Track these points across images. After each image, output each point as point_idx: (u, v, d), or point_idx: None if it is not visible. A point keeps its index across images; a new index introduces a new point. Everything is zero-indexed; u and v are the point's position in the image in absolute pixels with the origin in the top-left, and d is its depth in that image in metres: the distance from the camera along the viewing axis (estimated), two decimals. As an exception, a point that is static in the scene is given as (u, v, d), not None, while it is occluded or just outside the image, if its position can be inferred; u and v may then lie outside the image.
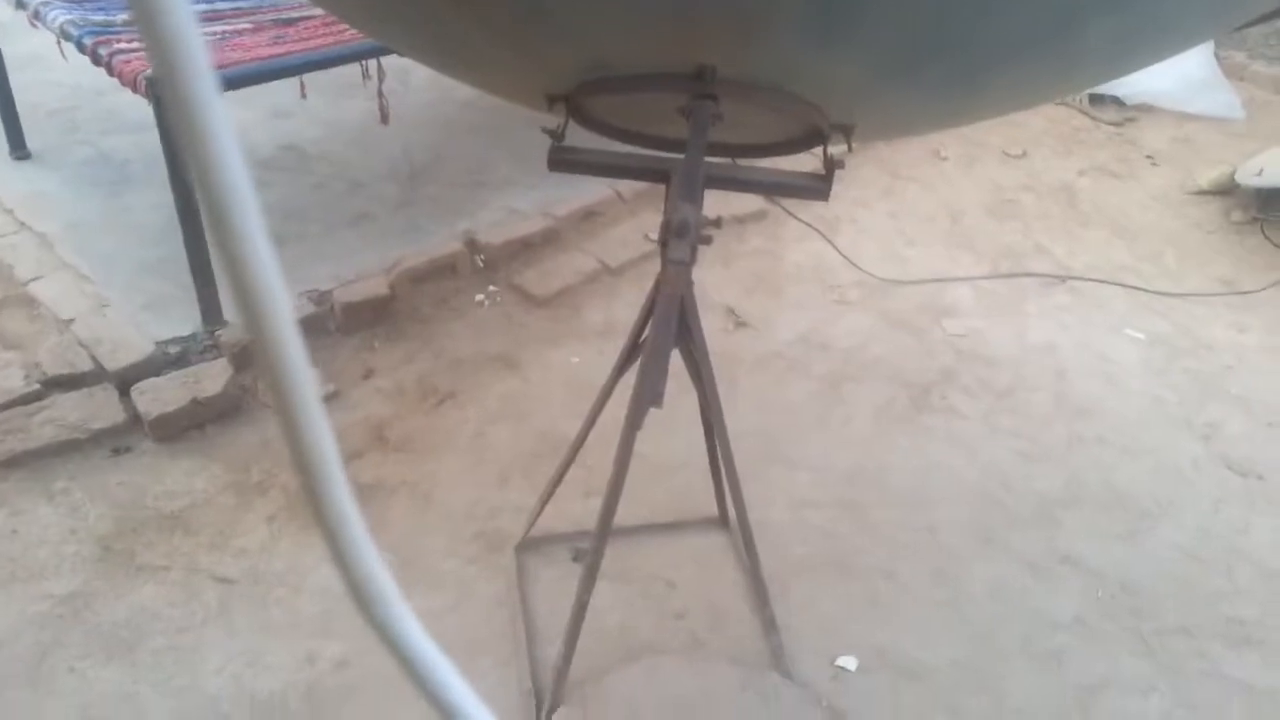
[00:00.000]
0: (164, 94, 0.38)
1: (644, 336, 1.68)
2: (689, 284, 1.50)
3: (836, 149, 1.60)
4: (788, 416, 2.81)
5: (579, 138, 1.60)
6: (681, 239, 1.33)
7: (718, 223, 1.53)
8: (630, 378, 1.65)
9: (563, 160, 1.55)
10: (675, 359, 1.59)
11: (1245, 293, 3.47)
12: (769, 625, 2.09)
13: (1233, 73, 5.06)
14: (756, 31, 1.22)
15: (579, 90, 1.46)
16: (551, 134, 1.55)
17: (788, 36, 1.23)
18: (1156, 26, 1.28)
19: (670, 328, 1.41)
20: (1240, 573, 2.38)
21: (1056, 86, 1.51)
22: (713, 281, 3.37)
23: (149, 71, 2.34)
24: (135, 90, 2.42)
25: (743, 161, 1.72)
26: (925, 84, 1.34)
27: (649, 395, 1.43)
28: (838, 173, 1.56)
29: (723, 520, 2.35)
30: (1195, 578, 2.36)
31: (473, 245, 3.30)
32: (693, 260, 1.43)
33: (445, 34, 1.44)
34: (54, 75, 3.93)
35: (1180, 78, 4.63)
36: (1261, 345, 3.22)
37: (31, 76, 3.86)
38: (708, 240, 1.42)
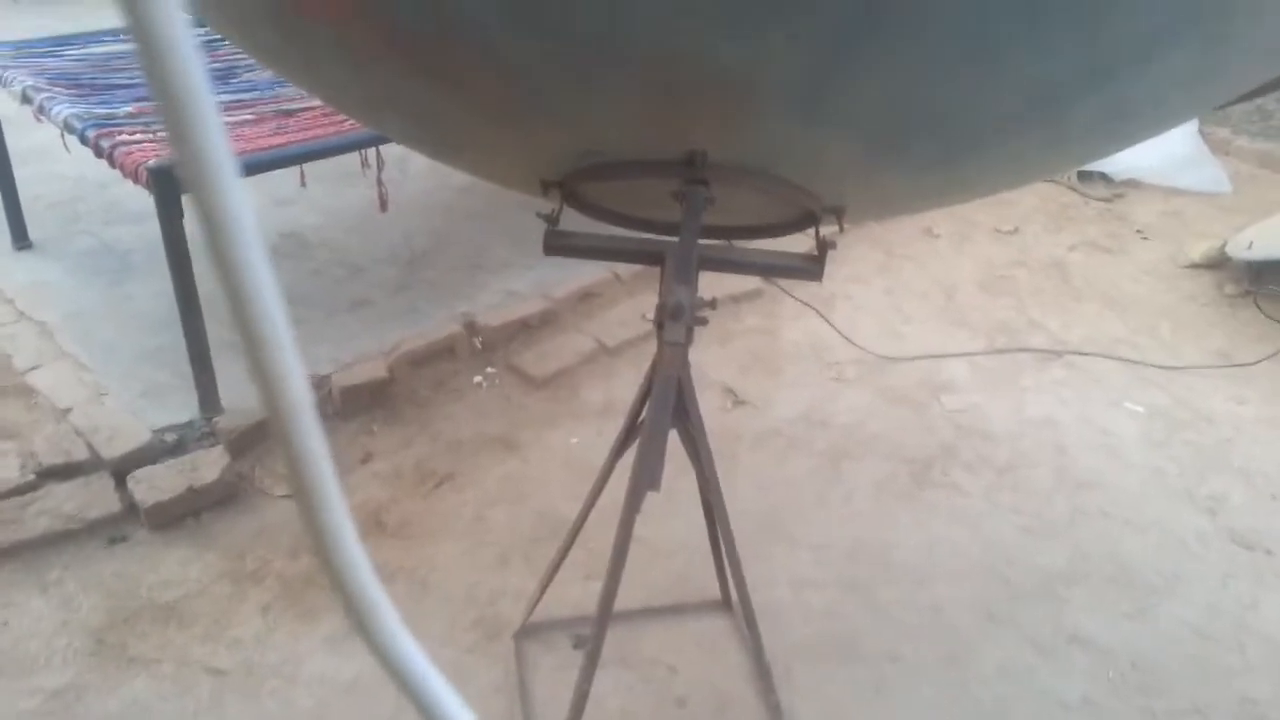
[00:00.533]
0: (186, 181, 0.39)
1: (641, 418, 1.68)
2: (685, 365, 1.51)
3: (829, 230, 1.63)
4: (788, 494, 2.79)
5: (574, 221, 1.62)
6: (677, 321, 1.34)
7: (713, 304, 1.54)
8: (629, 459, 1.65)
9: (558, 245, 1.57)
10: (673, 439, 1.59)
11: (1242, 365, 3.48)
12: (774, 712, 2.04)
13: (1218, 148, 5.16)
14: (745, 115, 1.25)
15: (573, 176, 1.49)
16: (546, 219, 1.58)
17: (775, 119, 1.25)
18: (1139, 107, 1.31)
19: (667, 411, 1.41)
20: (1251, 650, 2.34)
21: (1043, 165, 1.53)
22: (710, 360, 3.38)
23: (150, 162, 2.39)
24: (137, 181, 2.47)
25: (736, 242, 1.74)
26: (912, 164, 1.36)
27: (647, 479, 1.42)
28: (831, 251, 1.58)
29: (725, 602, 2.32)
30: (1206, 655, 2.32)
31: (471, 328, 3.32)
32: (689, 342, 1.44)
33: (441, 123, 1.47)
34: (58, 168, 4.00)
35: (1167, 154, 4.71)
36: (1260, 417, 3.22)
37: (35, 169, 3.93)
38: (703, 321, 1.43)
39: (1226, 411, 3.24)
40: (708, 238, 1.57)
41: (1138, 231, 4.52)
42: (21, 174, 3.63)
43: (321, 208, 4.06)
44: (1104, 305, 3.90)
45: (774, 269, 1.62)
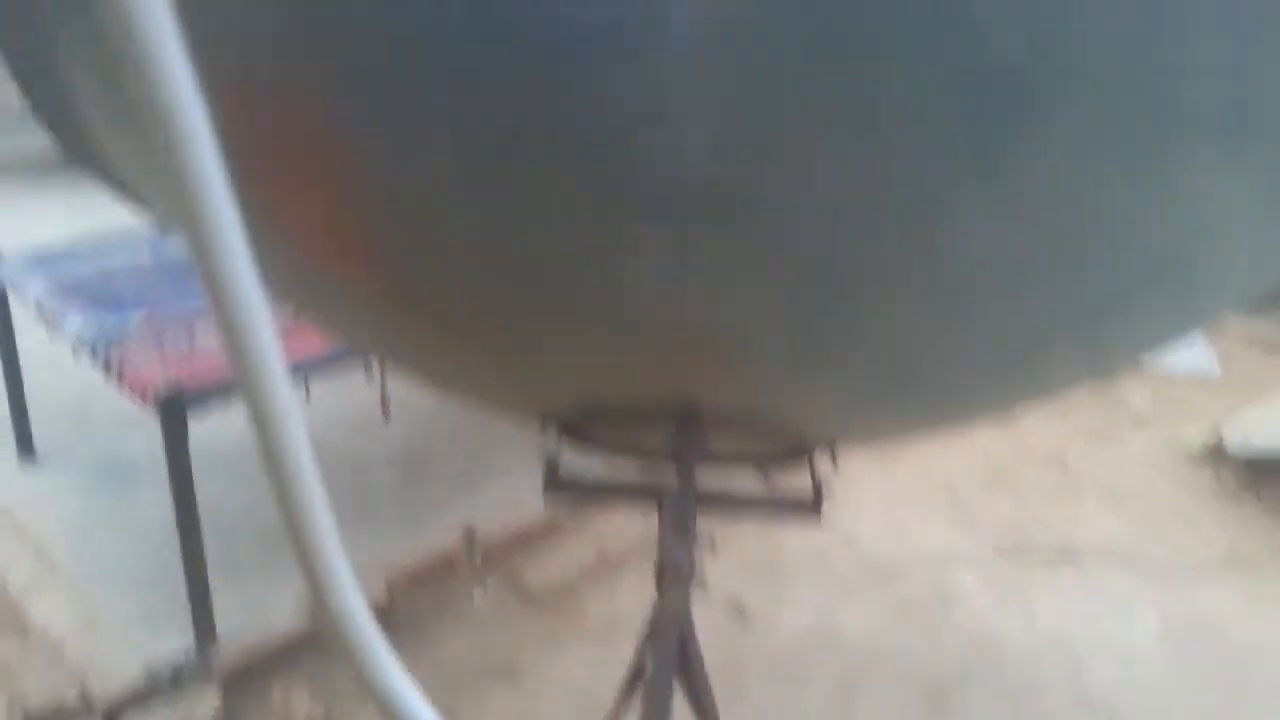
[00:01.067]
0: (239, 384, 0.42)
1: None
2: (688, 620, 1.49)
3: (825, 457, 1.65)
4: (799, 724, 2.69)
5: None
6: (675, 582, 1.35)
7: (713, 543, 1.54)
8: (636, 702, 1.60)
9: (558, 487, 1.59)
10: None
11: (1252, 568, 3.43)
12: None
13: (1204, 329, 5.27)
14: (735, 369, 1.29)
15: (569, 416, 1.52)
16: (547, 458, 1.60)
17: (765, 371, 1.30)
18: (1118, 345, 1.36)
19: (669, 673, 1.39)
20: None
21: (1027, 399, 1.57)
22: (712, 569, 3.33)
23: (159, 385, 2.43)
24: (144, 402, 2.50)
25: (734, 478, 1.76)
26: (898, 408, 1.40)
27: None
28: (833, 484, 1.60)
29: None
30: None
31: (471, 539, 3.29)
32: (688, 601, 1.44)
33: (439, 365, 1.52)
34: (69, 371, 4.04)
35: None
36: (1276, 624, 3.15)
37: (47, 374, 3.98)
38: (703, 582, 1.44)
39: (1241, 619, 3.16)
40: (703, 463, 1.59)
41: (1133, 418, 4.56)
42: (33, 379, 3.68)
43: (325, 412, 4.09)
44: (1106, 500, 3.89)
45: (773, 510, 1.64)
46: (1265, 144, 0.99)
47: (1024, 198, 0.97)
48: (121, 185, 1.74)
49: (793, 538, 3.58)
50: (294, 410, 0.44)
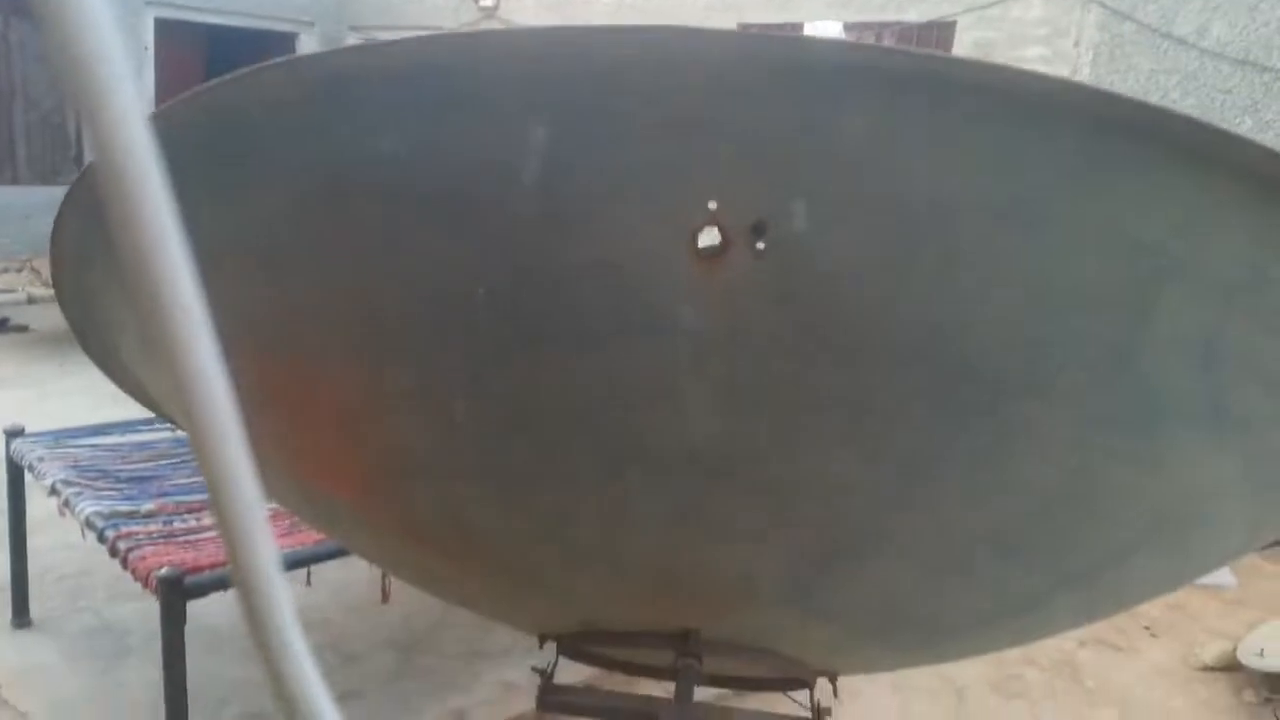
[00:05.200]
0: (236, 581, 0.44)
1: None
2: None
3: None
4: None
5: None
6: (669, 809, 1.32)
7: (708, 767, 1.52)
8: None
9: (553, 701, 1.58)
10: None
11: (1273, 789, 3.29)
12: None
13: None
14: (735, 603, 1.31)
15: (570, 635, 1.53)
16: (541, 672, 1.60)
17: (766, 606, 1.31)
18: (1114, 598, 1.37)
19: None
20: None
21: (1024, 640, 1.57)
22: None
23: (161, 571, 2.44)
24: (146, 587, 2.51)
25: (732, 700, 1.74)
26: (897, 646, 1.40)
27: None
28: (833, 711, 1.58)
29: None
30: None
31: (463, 727, 3.21)
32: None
33: (445, 586, 1.54)
34: (70, 538, 4.04)
35: (1164, 548, 4.76)
36: None
37: (50, 539, 3.99)
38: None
39: (1265, 847, 3.02)
40: (702, 685, 1.58)
41: (1145, 628, 4.46)
42: (35, 542, 3.68)
43: (325, 592, 4.06)
44: (1119, 713, 3.77)
45: (770, 733, 1.61)
46: (1240, 426, 1.03)
47: (1011, 479, 1.01)
48: (138, 388, 1.81)
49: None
50: (286, 601, 0.49)
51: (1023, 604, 1.26)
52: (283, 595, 0.51)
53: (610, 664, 1.76)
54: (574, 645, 1.60)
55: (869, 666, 1.68)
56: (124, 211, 0.44)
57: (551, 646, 1.64)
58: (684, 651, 1.41)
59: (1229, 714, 3.76)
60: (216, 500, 0.49)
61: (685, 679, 1.44)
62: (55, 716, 3.05)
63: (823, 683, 1.62)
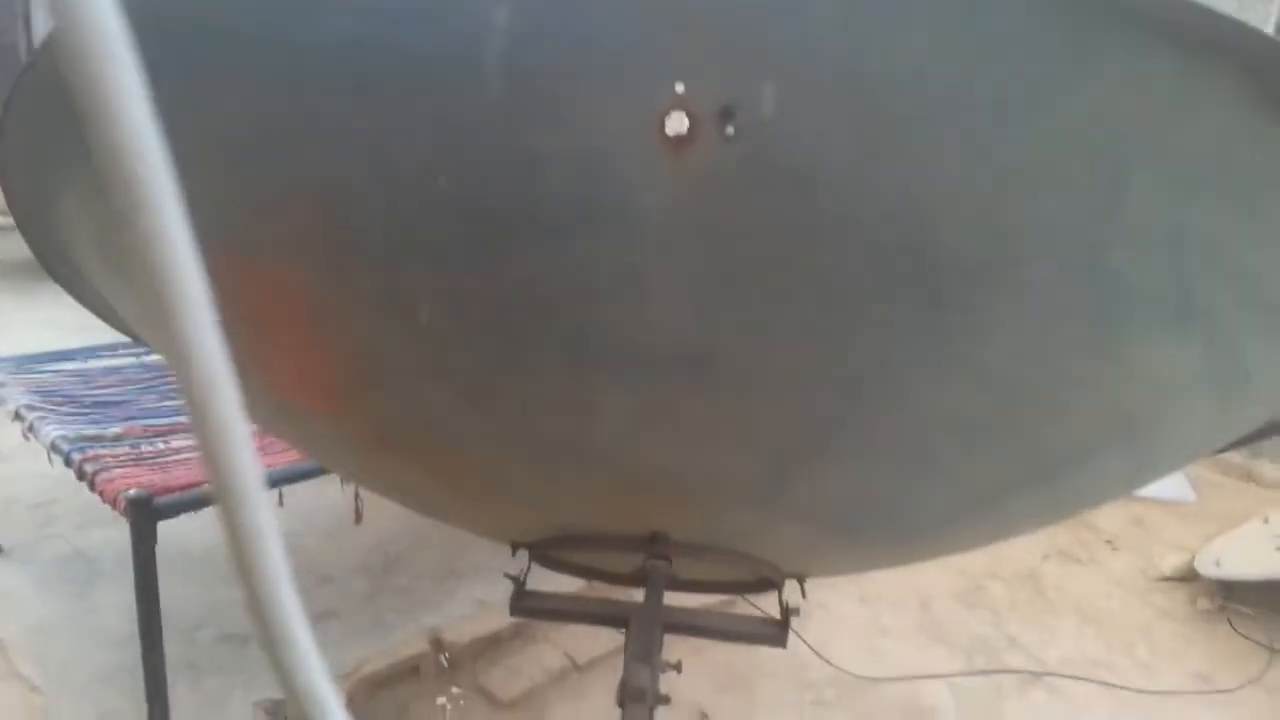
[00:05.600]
0: (216, 497, 0.43)
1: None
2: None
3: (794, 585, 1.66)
4: (765, 840, 2.63)
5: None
6: (638, 705, 1.34)
7: (678, 666, 1.54)
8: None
9: (525, 606, 1.59)
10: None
11: (1223, 690, 3.42)
12: None
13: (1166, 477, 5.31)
14: (704, 503, 1.32)
15: (541, 542, 1.53)
16: (513, 579, 1.61)
17: (734, 508, 1.32)
18: (1078, 496, 1.39)
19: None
20: None
21: (990, 539, 1.60)
22: (683, 675, 3.28)
23: (130, 492, 2.43)
24: (115, 509, 2.49)
25: (701, 602, 1.77)
26: (864, 545, 1.42)
27: None
28: (800, 609, 1.61)
29: None
30: None
31: (438, 644, 3.25)
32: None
33: (416, 495, 1.53)
34: (37, 466, 4.01)
35: (1126, 464, 4.85)
36: (1250, 748, 3.12)
37: (17, 467, 3.96)
38: (665, 700, 1.43)
39: (1213, 741, 3.14)
40: (672, 590, 1.60)
41: (1107, 541, 4.58)
42: (3, 470, 3.65)
43: (297, 513, 4.06)
44: (1079, 620, 3.88)
45: (739, 635, 1.64)
46: (1204, 320, 1.04)
47: (977, 370, 1.01)
48: (106, 311, 1.77)
49: (763, 649, 3.54)
50: (269, 521, 0.47)
51: (988, 500, 1.28)
52: (266, 514, 0.49)
53: (583, 572, 1.78)
54: (545, 553, 1.61)
55: (837, 568, 1.70)
56: (94, 100, 0.41)
57: (525, 558, 1.65)
58: (653, 554, 1.43)
59: (1185, 622, 3.88)
60: (196, 413, 0.47)
61: (654, 581, 1.46)
62: (30, 642, 3.05)
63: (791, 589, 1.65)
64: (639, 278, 0.96)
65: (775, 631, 1.58)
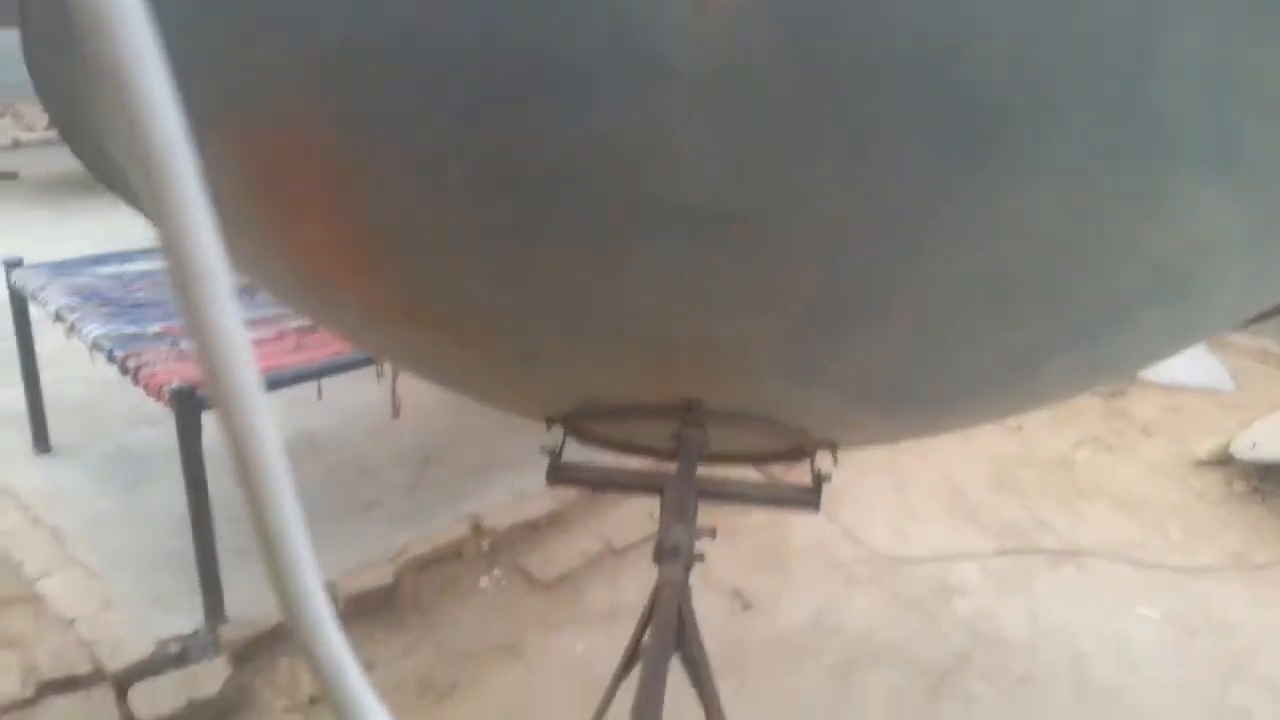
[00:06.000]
0: (213, 400, 0.43)
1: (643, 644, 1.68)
2: (687, 598, 1.52)
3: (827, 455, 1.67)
4: (800, 711, 2.72)
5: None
6: (674, 561, 1.38)
7: (713, 533, 1.57)
8: (634, 679, 1.63)
9: (561, 476, 1.62)
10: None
11: (1257, 567, 3.44)
12: None
13: (1215, 344, 5.26)
14: (736, 373, 1.32)
15: (573, 415, 1.55)
16: (549, 452, 1.63)
17: (768, 375, 1.32)
18: (1116, 359, 1.38)
19: (667, 651, 1.42)
20: None
21: (1026, 406, 1.59)
22: (717, 558, 3.35)
23: (173, 384, 2.48)
24: (159, 400, 2.56)
25: (734, 468, 1.79)
26: (900, 411, 1.42)
27: (646, 717, 1.42)
28: (832, 476, 1.62)
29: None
30: None
31: (478, 530, 3.34)
32: (686, 578, 1.47)
33: (448, 369, 1.55)
34: (81, 370, 4.11)
35: (1165, 350, 4.79)
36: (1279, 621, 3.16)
37: (61, 372, 4.05)
38: (701, 557, 1.46)
39: (1244, 617, 3.18)
40: (705, 464, 1.62)
41: (1141, 429, 4.56)
42: (47, 376, 3.75)
43: (337, 410, 4.14)
44: (1113, 504, 3.90)
45: (771, 501, 1.66)
46: (1249, 170, 1.01)
47: (1014, 221, 0.99)
48: (130, 191, 1.78)
49: (797, 532, 3.61)
50: (267, 424, 0.46)
51: (1024, 362, 1.27)
52: (263, 415, 0.46)
53: (618, 447, 1.80)
54: (579, 425, 1.63)
55: (870, 436, 1.71)
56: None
57: (559, 434, 1.67)
58: (687, 422, 1.44)
59: (1222, 505, 3.89)
60: (186, 305, 0.43)
61: (688, 450, 1.47)
62: (84, 532, 3.18)
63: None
64: (668, 129, 0.94)
65: (808, 497, 1.60)
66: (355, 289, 1.38)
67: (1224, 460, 4.10)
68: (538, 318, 1.25)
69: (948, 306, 1.13)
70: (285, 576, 0.48)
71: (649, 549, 3.57)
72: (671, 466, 1.59)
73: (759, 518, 3.69)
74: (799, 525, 3.66)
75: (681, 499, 1.46)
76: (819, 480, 1.59)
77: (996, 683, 2.85)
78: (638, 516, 3.59)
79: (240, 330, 0.44)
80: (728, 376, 1.34)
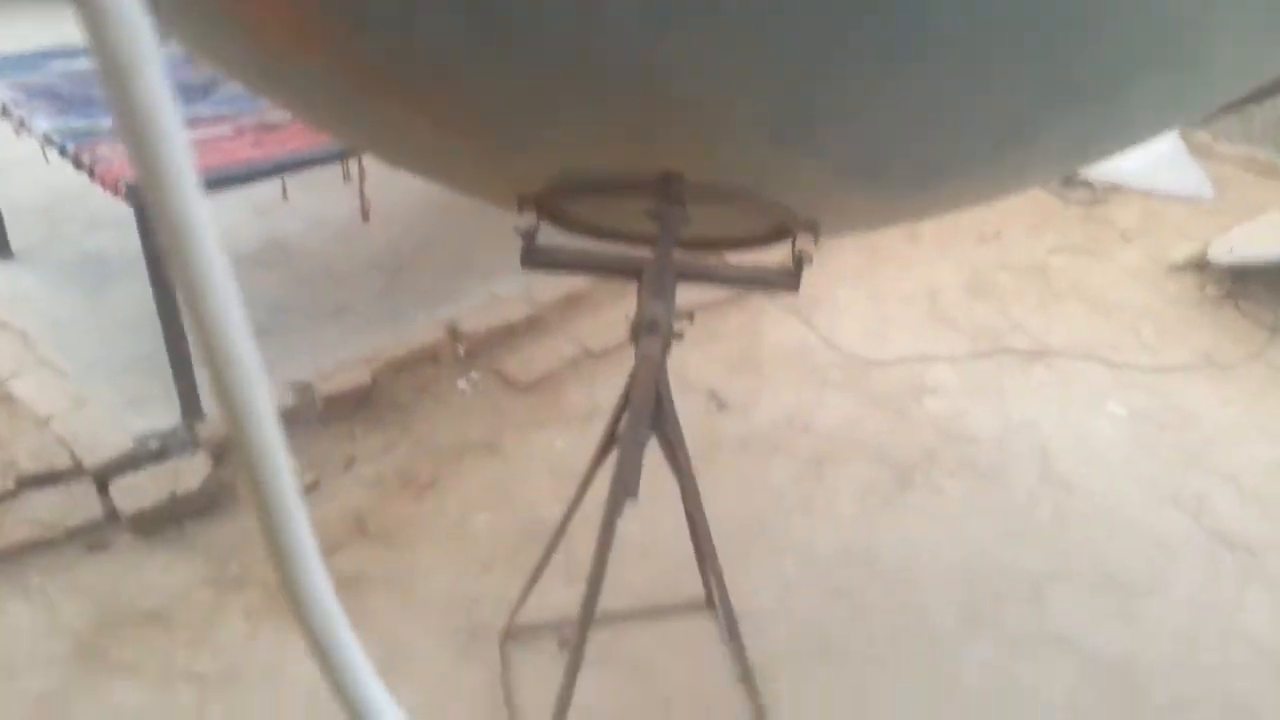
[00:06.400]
0: (147, 197, 0.39)
1: (621, 426, 1.68)
2: (663, 376, 1.51)
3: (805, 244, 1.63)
4: (772, 500, 2.80)
5: (552, 232, 1.62)
6: (652, 335, 1.35)
7: (690, 316, 1.55)
8: (611, 464, 1.65)
9: (535, 260, 1.57)
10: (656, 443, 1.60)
11: (1225, 367, 3.50)
12: (759, 713, 2.06)
13: (1199, 152, 5.18)
14: (718, 140, 1.26)
15: (549, 193, 1.49)
16: (523, 234, 1.58)
17: (748, 145, 1.26)
18: (1110, 131, 1.32)
19: (643, 423, 1.41)
20: (1236, 650, 2.36)
21: (1016, 183, 1.54)
22: (694, 362, 3.38)
23: (130, 177, 2.38)
24: (116, 194, 2.46)
25: (713, 255, 1.75)
26: (884, 186, 1.37)
27: (625, 489, 1.44)
28: (809, 262, 1.58)
29: (709, 603, 2.33)
30: (1190, 655, 2.34)
31: (454, 333, 3.32)
32: (664, 355, 1.45)
33: (416, 145, 1.47)
34: (38, 175, 3.95)
35: (1149, 158, 4.73)
36: (1243, 417, 3.25)
37: (17, 178, 3.90)
38: (679, 336, 1.44)
39: (1209, 412, 3.26)
40: (684, 249, 1.58)
41: (1120, 235, 4.55)
42: (2, 183, 3.61)
43: (305, 216, 4.03)
44: (1086, 307, 3.93)
45: (751, 281, 1.63)
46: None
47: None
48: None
49: (773, 337, 3.62)
50: (203, 219, 0.41)
51: (1014, 133, 1.21)
52: (199, 207, 0.40)
53: (594, 232, 1.75)
54: (553, 206, 1.57)
55: (853, 217, 1.67)
56: None
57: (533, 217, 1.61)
58: (665, 198, 1.38)
59: (1194, 308, 3.92)
60: (114, 88, 0.38)
61: (667, 227, 1.42)
62: (52, 334, 3.13)
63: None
64: None
65: (788, 278, 1.57)
66: (311, 59, 1.28)
67: (1200, 265, 4.11)
68: (508, 79, 1.16)
69: (932, 70, 1.06)
70: (231, 388, 0.44)
71: (627, 352, 3.58)
72: (649, 253, 1.54)
73: (736, 322, 3.70)
74: (775, 330, 3.67)
75: (659, 277, 1.42)
76: (800, 261, 1.55)
77: (963, 476, 2.93)
78: (615, 321, 3.58)
79: (172, 115, 0.39)
80: (708, 144, 1.27)
